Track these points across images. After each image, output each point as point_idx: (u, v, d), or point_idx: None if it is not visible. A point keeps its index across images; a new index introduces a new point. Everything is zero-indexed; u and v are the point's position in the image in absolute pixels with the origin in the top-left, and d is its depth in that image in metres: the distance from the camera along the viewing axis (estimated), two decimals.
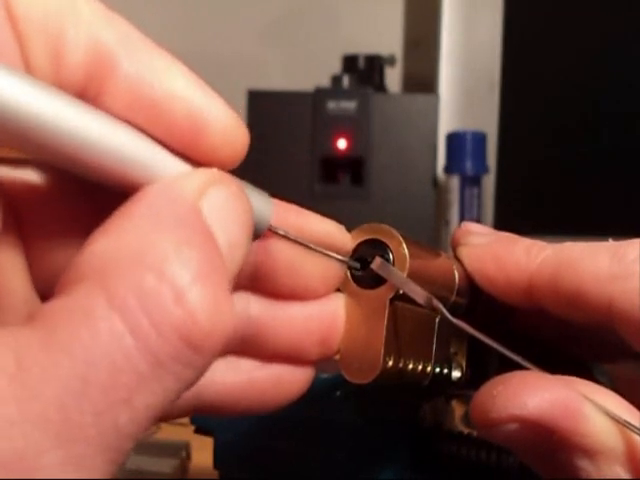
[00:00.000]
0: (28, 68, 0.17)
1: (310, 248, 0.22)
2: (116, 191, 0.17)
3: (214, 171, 0.18)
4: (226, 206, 0.18)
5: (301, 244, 0.22)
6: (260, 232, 0.20)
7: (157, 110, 0.17)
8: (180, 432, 0.45)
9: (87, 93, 0.17)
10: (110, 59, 0.17)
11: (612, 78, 1.07)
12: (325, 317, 0.23)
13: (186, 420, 0.33)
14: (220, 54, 1.18)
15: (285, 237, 0.21)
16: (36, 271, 0.19)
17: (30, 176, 0.19)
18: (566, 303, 0.24)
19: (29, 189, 0.19)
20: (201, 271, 0.16)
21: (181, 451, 0.46)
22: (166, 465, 0.44)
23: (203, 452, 0.35)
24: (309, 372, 0.23)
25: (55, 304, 0.15)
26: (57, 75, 0.17)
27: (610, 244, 0.24)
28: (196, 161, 0.18)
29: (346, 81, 1.00)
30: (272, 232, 0.21)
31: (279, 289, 0.22)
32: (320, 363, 0.24)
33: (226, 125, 0.18)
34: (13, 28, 0.16)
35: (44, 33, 0.16)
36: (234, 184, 0.18)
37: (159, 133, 0.18)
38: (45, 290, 0.20)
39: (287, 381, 0.23)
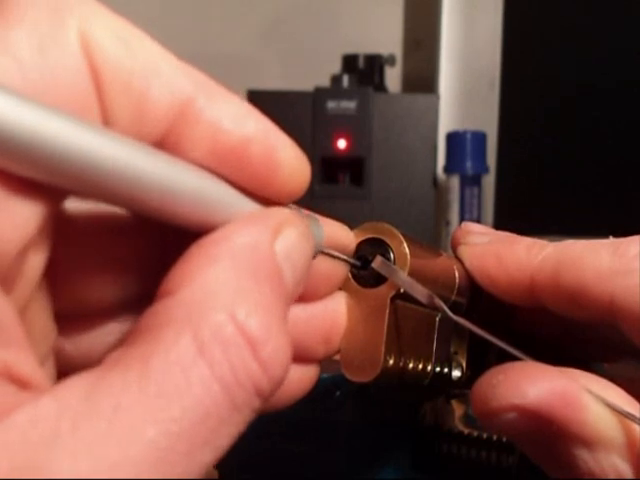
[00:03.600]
0: (109, 125, 0.17)
1: (333, 256, 0.22)
2: (183, 231, 0.18)
3: (285, 212, 0.19)
4: (296, 247, 0.19)
5: (337, 257, 0.23)
6: (314, 255, 0.21)
7: (234, 154, 0.18)
8: None
9: (168, 141, 0.18)
10: (190, 110, 0.18)
11: (612, 78, 1.07)
12: (328, 315, 0.23)
13: None
14: (220, 54, 1.18)
15: (331, 255, 0.22)
16: (56, 294, 0.19)
17: (67, 209, 0.19)
18: (567, 300, 0.24)
19: (65, 215, 0.19)
20: (274, 327, 0.17)
21: None
22: None
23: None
24: (314, 370, 0.24)
25: (145, 348, 0.16)
26: (140, 128, 0.17)
27: (611, 241, 0.24)
28: (265, 197, 0.19)
29: (346, 81, 1.00)
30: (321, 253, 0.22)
31: None
32: (324, 361, 0.24)
33: (295, 163, 0.19)
34: (97, 92, 0.17)
35: (128, 94, 0.17)
36: (303, 224, 0.20)
37: (234, 175, 0.19)
38: (61, 313, 0.20)
39: (293, 380, 0.23)
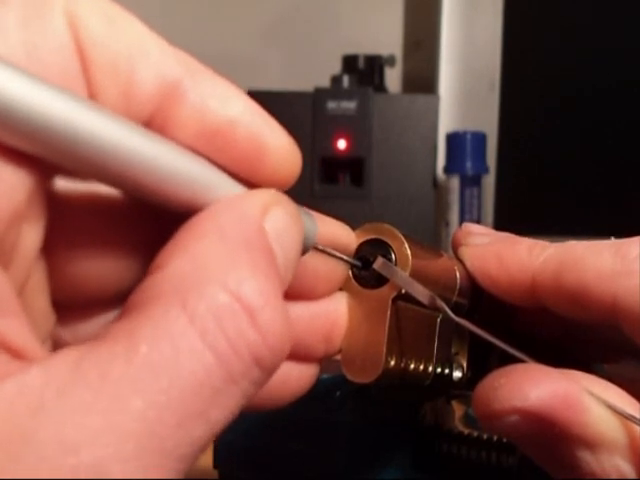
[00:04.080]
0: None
1: (330, 254, 0.22)
2: (172, 212, 0.18)
3: (272, 192, 0.19)
4: (285, 227, 0.19)
5: (337, 257, 0.22)
6: (306, 250, 0.21)
7: (220, 135, 0.18)
8: None
9: (155, 122, 0.18)
10: (177, 91, 0.18)
11: (612, 78, 1.07)
12: (329, 315, 0.23)
13: None
14: (220, 54, 1.18)
15: (326, 252, 0.22)
16: (53, 282, 0.19)
17: (63, 187, 0.19)
18: (569, 301, 0.24)
19: (61, 199, 0.19)
20: (271, 295, 0.16)
21: None
22: None
23: (203, 452, 0.35)
24: (315, 369, 0.24)
25: (134, 321, 0.15)
26: (127, 109, 0.17)
27: (613, 242, 0.24)
28: (254, 183, 0.19)
29: (346, 81, 1.00)
30: (316, 249, 0.22)
31: None
32: (325, 361, 0.24)
33: (284, 148, 0.19)
34: (83, 71, 0.17)
35: (114, 74, 0.17)
36: (291, 205, 0.19)
37: (221, 157, 0.18)
38: (59, 301, 0.20)
39: (294, 378, 0.23)
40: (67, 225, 0.19)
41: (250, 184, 0.19)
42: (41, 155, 0.16)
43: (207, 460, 0.34)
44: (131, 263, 0.20)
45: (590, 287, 0.23)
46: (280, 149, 0.19)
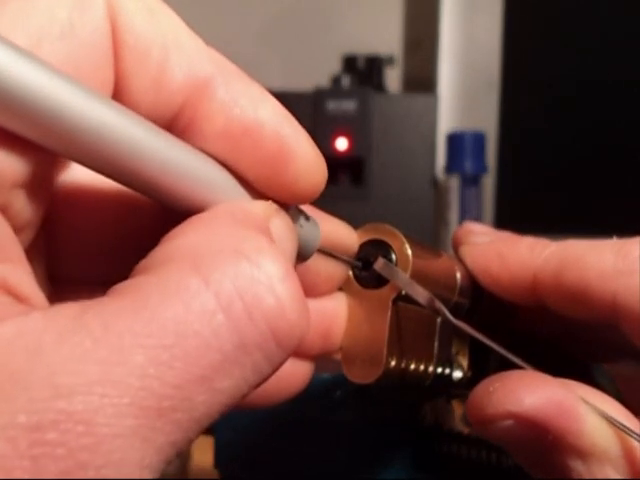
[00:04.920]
0: (123, 92, 0.17)
1: (331, 255, 0.23)
2: (178, 211, 0.18)
3: (272, 203, 0.19)
4: (284, 235, 0.19)
5: (339, 258, 0.23)
6: (308, 256, 0.21)
7: (247, 135, 0.18)
8: None
9: (183, 115, 0.18)
10: (208, 86, 0.18)
11: (612, 78, 1.07)
12: (327, 312, 0.23)
13: None
14: (220, 54, 1.18)
15: (332, 255, 0.22)
16: (52, 258, 0.20)
17: (71, 178, 0.19)
18: (570, 299, 0.24)
19: (68, 189, 0.19)
20: (289, 270, 0.16)
21: None
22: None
23: (203, 452, 0.35)
24: (310, 366, 0.24)
25: (143, 278, 0.15)
26: (156, 97, 0.17)
27: (614, 241, 0.24)
28: (276, 191, 0.19)
29: (346, 81, 1.00)
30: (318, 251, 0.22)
31: None
32: (321, 360, 0.24)
33: (310, 157, 0.19)
34: (114, 54, 0.17)
35: (146, 62, 0.17)
36: (288, 218, 0.19)
37: (246, 158, 0.18)
38: (57, 277, 0.20)
39: (289, 374, 0.23)
40: (70, 206, 0.19)
41: (265, 195, 0.19)
42: (49, 146, 0.16)
43: (207, 460, 0.34)
44: (130, 252, 0.20)
45: (591, 286, 0.23)
46: (306, 158, 0.19)
